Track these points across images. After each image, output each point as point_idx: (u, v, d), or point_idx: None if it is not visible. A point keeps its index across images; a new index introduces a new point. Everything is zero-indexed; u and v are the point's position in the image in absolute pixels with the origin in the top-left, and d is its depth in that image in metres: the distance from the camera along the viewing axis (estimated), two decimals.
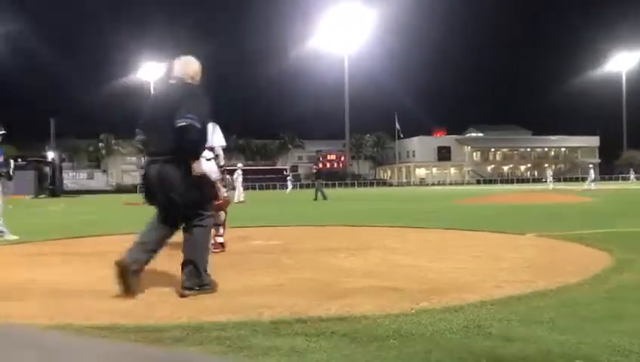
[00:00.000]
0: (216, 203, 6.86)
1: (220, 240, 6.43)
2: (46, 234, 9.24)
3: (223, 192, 6.81)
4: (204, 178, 3.97)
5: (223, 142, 6.68)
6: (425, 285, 4.03)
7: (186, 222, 3.98)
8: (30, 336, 0.49)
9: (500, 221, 9.92)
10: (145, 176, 4.01)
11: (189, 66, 4.13)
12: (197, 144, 3.88)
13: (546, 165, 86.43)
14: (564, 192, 26.05)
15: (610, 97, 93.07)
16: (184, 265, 3.94)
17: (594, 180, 36.05)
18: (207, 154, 6.53)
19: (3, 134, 8.93)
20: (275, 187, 67.30)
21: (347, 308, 3.34)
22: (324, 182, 26.94)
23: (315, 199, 23.77)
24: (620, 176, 77.19)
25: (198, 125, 3.75)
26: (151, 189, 3.96)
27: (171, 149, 3.78)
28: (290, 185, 46.72)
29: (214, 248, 6.38)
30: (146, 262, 4.00)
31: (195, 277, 3.91)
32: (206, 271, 3.99)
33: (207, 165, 6.51)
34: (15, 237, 8.39)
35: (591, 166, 40.25)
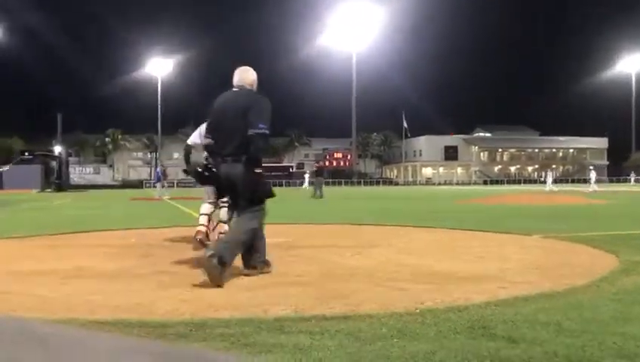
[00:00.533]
0: None
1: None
2: (51, 228, 9.29)
3: None
4: (261, 176, 4.48)
5: None
6: (430, 284, 4.01)
7: (240, 210, 4.54)
8: (33, 329, 0.48)
9: (506, 221, 9.89)
10: (215, 173, 4.55)
11: (247, 75, 4.72)
12: (264, 149, 4.46)
13: (553, 166, 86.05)
14: (570, 194, 25.93)
15: (620, 99, 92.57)
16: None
17: (596, 182, 35.89)
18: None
19: None
20: (281, 184, 67.37)
21: (351, 306, 3.33)
22: (324, 180, 26.86)
23: (314, 196, 23.92)
24: (621, 178, 76.83)
25: (268, 133, 4.36)
26: (220, 184, 4.60)
27: (239, 150, 4.34)
28: (307, 181, 47.86)
29: None
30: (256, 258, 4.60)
31: (256, 255, 4.53)
32: (262, 259, 4.60)
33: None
34: None
35: (592, 168, 39.96)
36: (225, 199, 6.54)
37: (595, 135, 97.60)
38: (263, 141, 4.37)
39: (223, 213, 6.57)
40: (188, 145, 6.93)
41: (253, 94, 4.61)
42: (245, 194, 4.42)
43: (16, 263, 5.31)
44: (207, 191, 6.79)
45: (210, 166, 4.70)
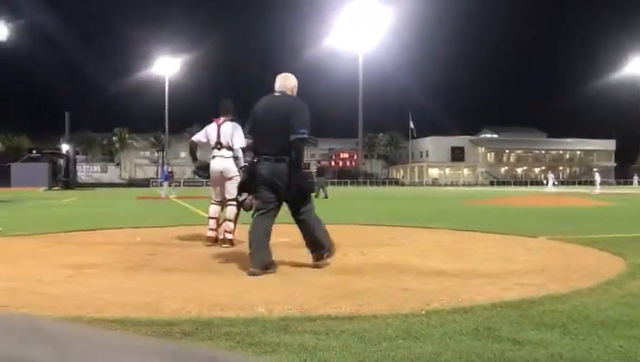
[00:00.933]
0: (252, 201, 6.94)
1: (229, 236, 6.45)
2: (59, 226, 9.33)
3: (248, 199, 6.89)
4: (305, 175, 4.86)
5: (243, 143, 6.71)
6: (435, 286, 4.01)
7: (295, 213, 4.94)
8: (42, 327, 0.49)
9: (513, 223, 9.86)
10: (255, 172, 4.81)
11: (288, 81, 5.05)
12: (303, 151, 4.89)
13: (560, 168, 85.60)
14: (571, 196, 25.81)
15: (628, 101, 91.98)
16: (310, 244, 4.96)
17: (600, 184, 35.74)
18: (225, 152, 6.60)
19: None
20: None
21: (357, 306, 3.33)
22: (328, 181, 26.67)
23: (317, 196, 23.89)
24: (628, 180, 76.26)
25: (307, 137, 4.74)
26: (260, 183, 4.79)
27: (281, 151, 4.67)
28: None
29: (223, 243, 6.42)
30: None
31: (320, 249, 4.93)
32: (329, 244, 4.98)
33: (227, 163, 6.58)
34: None
35: (595, 170, 39.74)
36: (231, 198, 6.58)
37: (602, 137, 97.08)
38: (303, 145, 4.76)
39: (229, 211, 6.59)
40: (192, 141, 6.99)
41: (294, 100, 4.94)
42: (292, 192, 4.73)
43: (24, 261, 5.34)
44: (215, 191, 6.83)
45: (247, 165, 5.14)
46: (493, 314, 3.11)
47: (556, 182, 40.50)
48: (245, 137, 5.15)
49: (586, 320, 3.01)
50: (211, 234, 6.64)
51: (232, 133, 6.65)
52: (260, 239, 4.69)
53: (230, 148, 6.64)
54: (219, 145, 6.64)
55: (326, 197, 23.95)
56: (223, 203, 6.82)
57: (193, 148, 7.02)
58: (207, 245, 6.46)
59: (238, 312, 3.19)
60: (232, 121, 6.72)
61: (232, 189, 6.66)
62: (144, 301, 3.51)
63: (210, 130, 6.73)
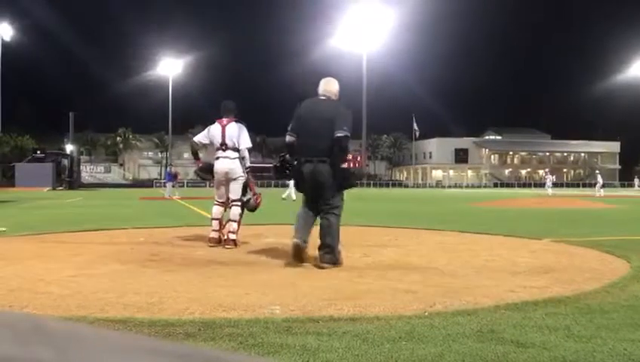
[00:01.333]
0: (256, 202, 6.98)
1: (232, 236, 6.44)
2: (62, 226, 9.36)
3: (253, 199, 6.92)
4: (344, 175, 5.17)
5: (249, 144, 6.79)
6: (439, 287, 4.00)
7: (323, 211, 5.14)
8: (45, 326, 0.49)
9: (517, 225, 9.84)
10: (299, 172, 5.13)
11: (332, 86, 5.36)
12: (347, 150, 5.12)
13: (564, 170, 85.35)
14: (581, 198, 25.74)
15: (633, 102, 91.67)
16: (322, 245, 5.08)
17: (602, 186, 35.58)
18: (230, 154, 6.60)
19: None
20: (288, 185, 67.32)
21: (360, 308, 3.33)
22: None
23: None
24: (632, 182, 75.88)
25: (349, 135, 5.01)
26: (304, 183, 5.13)
27: (325, 152, 4.96)
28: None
29: (226, 244, 6.41)
30: (308, 239, 5.18)
31: (332, 255, 5.02)
32: (339, 251, 5.11)
33: (232, 164, 6.59)
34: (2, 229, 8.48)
35: (598, 172, 39.60)
36: (235, 198, 6.58)
37: (607, 139, 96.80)
38: (346, 141, 5.02)
39: (234, 212, 6.59)
40: (194, 141, 6.98)
41: (338, 104, 5.26)
42: (333, 188, 5.07)
43: (28, 261, 5.35)
44: (218, 192, 6.81)
45: (288, 163, 5.32)
46: (496, 317, 3.10)
47: (551, 184, 40.26)
48: (289, 135, 5.29)
49: (590, 322, 3.00)
50: (214, 235, 6.63)
51: (238, 134, 6.64)
52: (299, 216, 5.30)
53: (235, 150, 6.63)
54: (224, 146, 6.61)
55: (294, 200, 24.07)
56: (226, 204, 6.81)
57: (194, 148, 7.02)
58: (211, 246, 6.46)
59: (241, 313, 3.19)
60: (237, 122, 6.71)
61: (236, 190, 6.68)
62: (147, 301, 3.51)
63: (215, 131, 6.69)
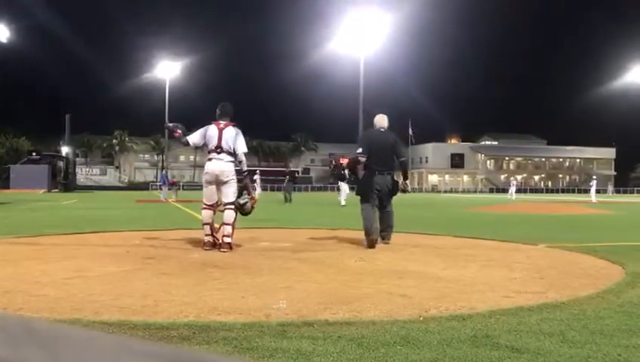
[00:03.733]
0: (252, 206, 7.03)
1: (227, 240, 6.41)
2: (57, 228, 9.33)
3: (255, 193, 6.98)
4: (397, 183, 7.45)
5: (245, 149, 6.78)
6: (434, 292, 4.00)
7: (385, 206, 7.36)
8: (39, 329, 0.48)
9: (512, 230, 9.85)
10: (375, 180, 7.21)
11: (386, 121, 7.68)
12: (408, 168, 7.82)
13: (560, 176, 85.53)
14: (576, 204, 25.80)
15: (629, 109, 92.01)
16: (387, 227, 7.35)
17: (597, 191, 35.72)
18: (224, 157, 6.57)
19: None
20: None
21: (355, 312, 3.32)
22: (294, 186, 27.35)
23: (286, 201, 24.08)
24: (622, 189, 76.04)
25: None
26: (380, 188, 7.23)
27: (391, 167, 7.40)
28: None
29: (222, 247, 6.38)
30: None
31: (392, 233, 7.39)
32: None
33: (224, 166, 6.56)
34: None
35: (594, 177, 39.72)
36: (229, 202, 6.57)
37: (602, 145, 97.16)
38: (407, 164, 7.76)
39: (228, 215, 6.56)
40: (186, 141, 6.90)
41: (394, 134, 7.74)
42: (393, 193, 7.39)
43: (22, 263, 5.33)
44: (207, 195, 6.78)
45: (343, 170, 9.08)
46: (491, 322, 3.10)
47: (514, 190, 40.26)
48: (359, 154, 7.34)
49: (585, 328, 3.00)
50: (209, 239, 6.59)
51: (235, 138, 6.62)
52: (367, 216, 7.10)
53: (229, 153, 6.59)
54: (219, 148, 6.57)
55: (290, 201, 24.33)
56: (214, 207, 6.79)
57: (185, 143, 6.94)
58: (207, 249, 6.43)
59: (235, 317, 3.18)
60: (234, 126, 6.69)
61: (229, 194, 6.64)
62: (142, 304, 3.50)
63: (212, 132, 6.63)
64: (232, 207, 6.64)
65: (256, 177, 27.38)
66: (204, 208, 6.78)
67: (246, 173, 6.91)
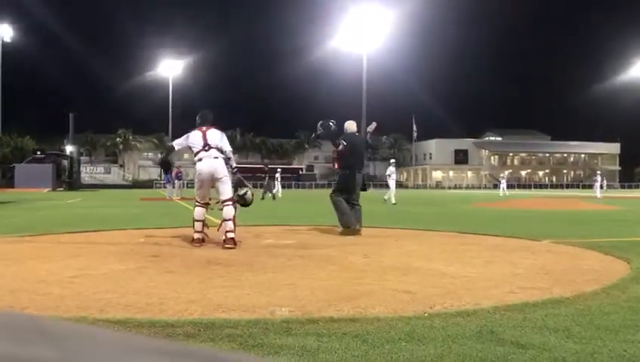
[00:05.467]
0: (251, 196, 7.26)
1: (231, 235, 6.46)
2: (62, 227, 9.35)
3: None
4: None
5: (230, 148, 7.04)
6: (439, 288, 4.00)
7: (355, 201, 8.33)
8: (45, 327, 0.49)
9: (517, 226, 9.84)
10: (357, 179, 8.41)
11: (355, 126, 8.79)
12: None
13: (564, 171, 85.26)
14: (581, 200, 25.73)
15: (633, 104, 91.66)
16: (358, 218, 8.18)
17: (602, 188, 35.57)
18: (213, 153, 6.78)
19: None
20: (290, 186, 67.42)
21: (360, 309, 3.33)
22: (273, 183, 27.57)
23: (262, 198, 24.20)
24: (627, 184, 75.69)
25: None
26: (357, 185, 8.39)
27: (363, 167, 8.58)
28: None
29: (226, 244, 6.43)
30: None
31: (359, 222, 8.19)
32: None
33: (216, 164, 6.72)
34: None
35: (599, 172, 39.58)
36: (227, 199, 6.75)
37: (607, 140, 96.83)
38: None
39: (228, 211, 6.67)
40: (171, 146, 7.23)
41: (361, 136, 9.13)
42: (363, 190, 7.95)
43: (27, 262, 5.36)
44: (200, 194, 6.89)
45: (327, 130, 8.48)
46: (496, 318, 3.10)
47: (505, 186, 39.92)
48: (342, 147, 8.24)
49: (590, 324, 3.00)
50: (199, 236, 6.74)
51: (220, 137, 6.88)
52: (346, 208, 8.11)
53: (219, 150, 6.78)
54: (207, 146, 6.75)
55: (264, 198, 24.49)
56: (207, 205, 6.98)
57: (171, 151, 7.23)
58: (196, 246, 6.56)
59: (240, 314, 3.19)
60: (216, 128, 6.95)
61: (226, 191, 6.77)
62: (147, 302, 3.51)
63: (195, 136, 6.85)
64: (231, 203, 6.72)
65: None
66: (198, 205, 6.95)
67: (236, 170, 7.13)
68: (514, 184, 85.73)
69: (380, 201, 20.52)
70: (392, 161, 22.67)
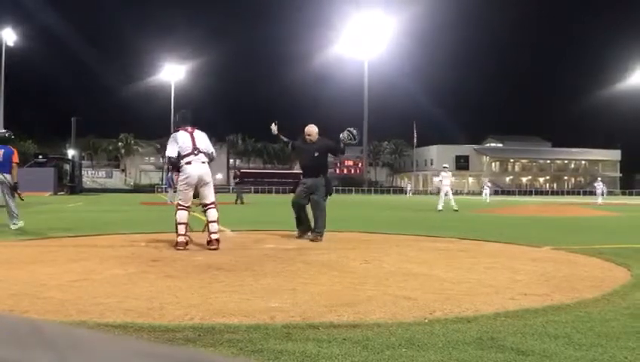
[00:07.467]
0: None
1: (215, 236, 6.82)
2: (63, 231, 9.36)
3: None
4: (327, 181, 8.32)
5: (213, 149, 7.21)
6: (439, 295, 4.00)
7: (316, 201, 8.04)
8: (44, 331, 0.49)
9: (517, 233, 9.83)
10: (306, 183, 8.18)
11: (314, 130, 8.31)
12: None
13: (565, 178, 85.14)
14: (581, 206, 25.71)
15: (634, 111, 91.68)
16: (317, 220, 8.03)
17: (602, 194, 35.55)
18: (202, 157, 6.94)
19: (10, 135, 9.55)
20: (292, 191, 67.39)
21: (360, 315, 3.32)
22: (245, 188, 27.91)
23: (236, 203, 24.59)
24: (627, 191, 75.59)
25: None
26: (309, 189, 8.12)
27: (317, 172, 8.19)
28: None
29: (211, 245, 6.64)
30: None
31: (317, 228, 7.97)
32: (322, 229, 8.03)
33: (205, 168, 6.88)
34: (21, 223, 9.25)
35: (600, 179, 39.60)
36: (212, 201, 6.97)
37: (608, 147, 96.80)
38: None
39: (212, 214, 6.88)
40: (170, 158, 7.08)
41: (320, 141, 8.38)
42: (323, 192, 8.12)
43: (29, 265, 5.36)
44: (185, 197, 6.95)
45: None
46: (497, 324, 3.10)
47: (488, 193, 39.91)
48: (293, 149, 8.73)
49: (590, 330, 2.99)
50: (183, 239, 6.79)
51: (207, 140, 7.04)
52: (296, 212, 8.26)
53: (206, 154, 6.96)
54: (196, 150, 6.85)
55: (242, 203, 24.91)
56: (189, 208, 7.07)
57: (174, 162, 7.10)
58: (179, 249, 6.58)
59: (241, 319, 3.19)
60: (198, 129, 7.06)
61: (210, 193, 7.01)
62: (147, 307, 3.51)
63: (184, 138, 6.89)
64: (214, 206, 6.98)
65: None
66: (182, 209, 6.99)
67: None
68: (514, 191, 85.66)
69: (433, 210, 19.62)
70: (445, 165, 21.23)
